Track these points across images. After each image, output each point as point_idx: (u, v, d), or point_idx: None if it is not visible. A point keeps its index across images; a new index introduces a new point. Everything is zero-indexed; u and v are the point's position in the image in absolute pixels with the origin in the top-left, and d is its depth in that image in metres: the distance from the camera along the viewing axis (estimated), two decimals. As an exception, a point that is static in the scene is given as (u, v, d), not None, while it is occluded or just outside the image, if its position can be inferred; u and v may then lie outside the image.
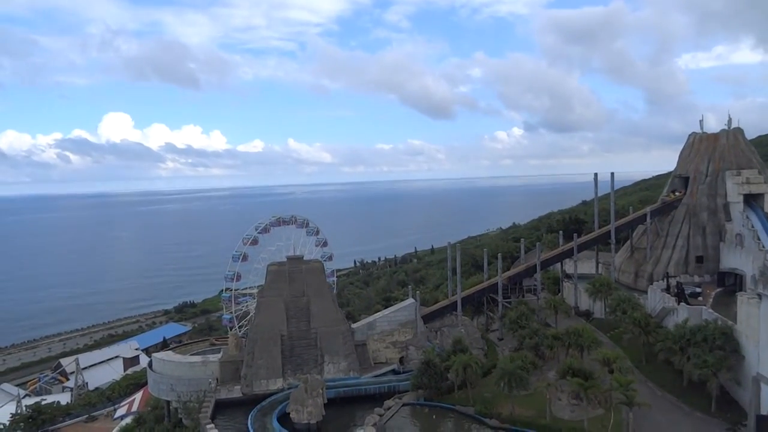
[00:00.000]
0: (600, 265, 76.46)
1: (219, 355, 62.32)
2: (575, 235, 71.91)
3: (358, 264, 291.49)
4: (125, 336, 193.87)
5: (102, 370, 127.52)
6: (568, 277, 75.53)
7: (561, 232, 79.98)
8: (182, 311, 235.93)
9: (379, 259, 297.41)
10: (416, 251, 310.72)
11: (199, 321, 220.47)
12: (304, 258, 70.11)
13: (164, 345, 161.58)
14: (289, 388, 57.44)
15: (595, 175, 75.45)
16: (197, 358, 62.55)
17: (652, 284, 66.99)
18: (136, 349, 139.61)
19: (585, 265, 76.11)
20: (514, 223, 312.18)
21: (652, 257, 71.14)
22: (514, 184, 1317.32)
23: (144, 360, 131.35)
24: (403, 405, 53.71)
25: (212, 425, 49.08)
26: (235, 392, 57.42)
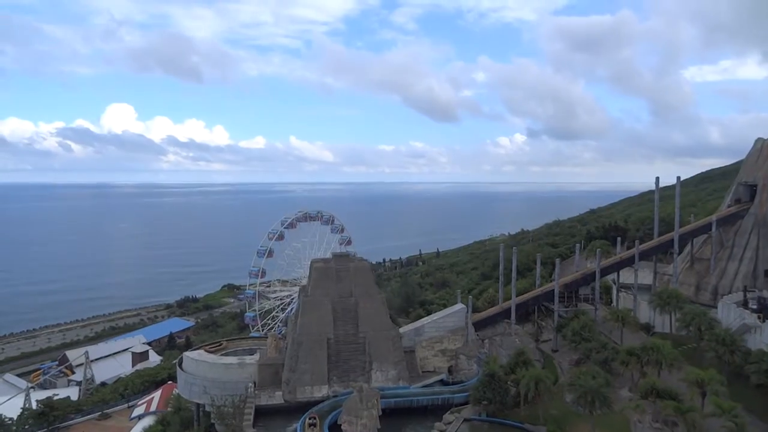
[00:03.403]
0: (657, 275, 71.85)
1: (256, 357, 57.55)
2: (637, 242, 67.40)
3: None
4: (127, 329, 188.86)
5: (108, 364, 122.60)
6: (624, 287, 71.01)
7: (619, 239, 75.11)
8: (184, 306, 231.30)
9: (384, 260, 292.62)
10: (421, 254, 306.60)
11: (202, 316, 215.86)
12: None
13: (170, 339, 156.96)
14: (334, 396, 52.96)
15: (657, 179, 71.04)
16: (233, 360, 57.75)
17: (717, 298, 62.57)
18: (144, 344, 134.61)
19: (639, 275, 71.42)
20: (522, 228, 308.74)
21: (716, 269, 66.77)
22: (515, 191, 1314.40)
23: (153, 356, 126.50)
24: (464, 420, 49.07)
25: (258, 435, 44.45)
26: (277, 398, 52.74)
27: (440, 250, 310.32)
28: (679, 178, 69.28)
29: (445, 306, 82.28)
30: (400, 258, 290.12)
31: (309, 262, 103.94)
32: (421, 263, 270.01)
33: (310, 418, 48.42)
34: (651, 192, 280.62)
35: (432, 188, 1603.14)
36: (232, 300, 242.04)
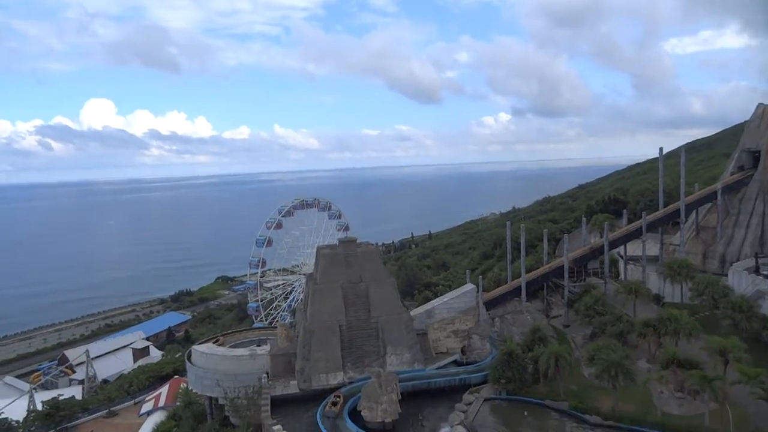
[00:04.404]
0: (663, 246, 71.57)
1: (267, 348, 56.55)
2: (644, 213, 66.95)
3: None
4: (122, 326, 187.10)
5: (109, 361, 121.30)
6: (631, 259, 70.75)
7: (625, 211, 74.60)
8: (179, 300, 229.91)
9: (376, 244, 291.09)
10: (413, 236, 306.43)
11: (198, 309, 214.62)
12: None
13: (170, 334, 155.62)
14: (350, 383, 52.25)
15: (660, 149, 70.43)
16: (244, 351, 56.74)
17: (725, 266, 62.51)
18: (144, 339, 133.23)
19: (641, 246, 71.12)
20: (513, 207, 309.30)
21: (723, 237, 66.70)
22: (502, 170, 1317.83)
23: (154, 351, 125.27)
24: (485, 400, 48.58)
25: (279, 426, 43.61)
26: (292, 388, 51.83)
27: (432, 231, 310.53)
28: (684, 148, 69.18)
29: (450, 287, 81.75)
30: (393, 242, 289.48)
31: (308, 250, 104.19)
32: (414, 246, 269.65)
33: (334, 396, 48.42)
34: (638, 165, 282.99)
35: (419, 171, 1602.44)
36: (227, 292, 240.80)
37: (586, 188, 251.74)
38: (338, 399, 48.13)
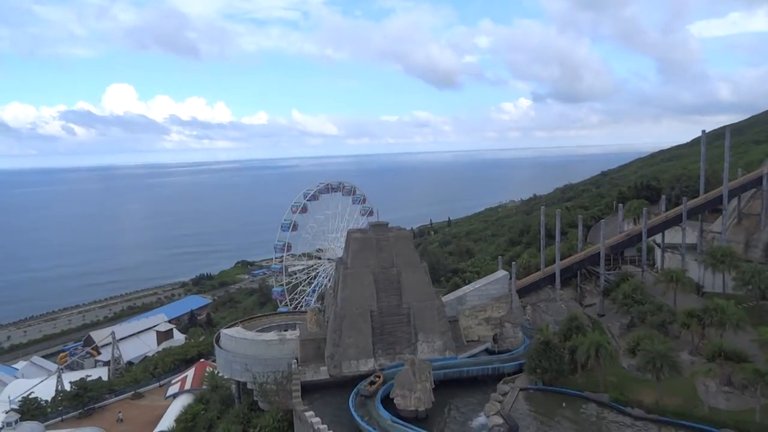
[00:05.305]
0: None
1: (296, 332, 55.70)
2: (685, 199, 64.47)
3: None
4: (145, 308, 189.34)
5: (133, 343, 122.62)
6: (669, 247, 68.29)
7: (664, 197, 72.14)
8: (200, 283, 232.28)
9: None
10: (432, 223, 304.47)
11: (219, 293, 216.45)
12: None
13: (192, 317, 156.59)
14: (381, 369, 51.22)
15: (703, 131, 67.71)
16: (273, 335, 56.00)
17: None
18: (167, 322, 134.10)
19: (679, 234, 68.65)
20: (534, 194, 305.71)
21: (767, 225, 63.94)
22: (521, 156, 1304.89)
23: (177, 334, 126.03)
24: (521, 390, 47.23)
25: (312, 412, 42.72)
26: (322, 373, 50.93)
27: (451, 218, 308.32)
28: (728, 129, 65.84)
29: (478, 274, 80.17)
30: (412, 228, 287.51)
31: (332, 234, 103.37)
32: (433, 233, 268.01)
33: (374, 376, 48.06)
34: (662, 152, 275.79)
35: (437, 157, 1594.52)
36: (247, 276, 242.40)
37: (609, 175, 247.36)
38: (377, 379, 47.61)
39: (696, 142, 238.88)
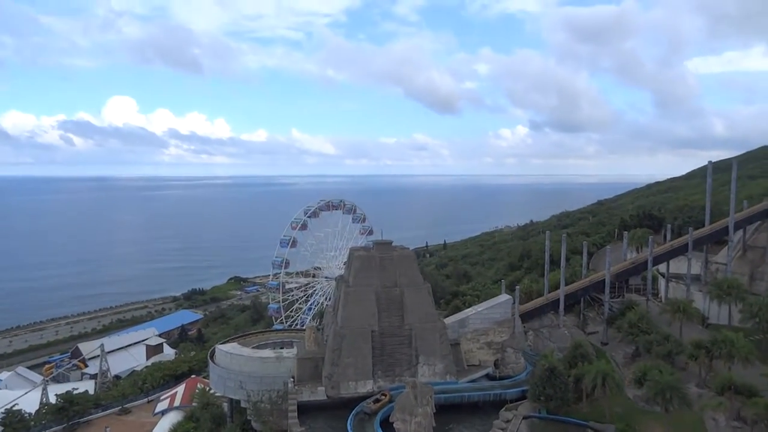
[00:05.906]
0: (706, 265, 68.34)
1: (294, 351, 54.25)
2: (690, 229, 63.88)
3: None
4: (134, 321, 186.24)
5: (122, 356, 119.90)
6: (673, 276, 67.53)
7: (669, 226, 71.66)
8: (191, 298, 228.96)
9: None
10: (427, 246, 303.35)
11: (210, 309, 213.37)
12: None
13: (182, 332, 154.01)
14: (379, 392, 49.80)
15: (710, 162, 67.34)
16: (270, 353, 54.50)
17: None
18: (158, 336, 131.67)
19: (683, 264, 68.02)
20: (531, 220, 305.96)
21: (773, 258, 63.44)
22: (518, 182, 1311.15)
23: (167, 349, 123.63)
24: (524, 418, 45.82)
25: (308, 435, 41.24)
26: (319, 394, 49.42)
27: (446, 241, 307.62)
28: (735, 160, 65.58)
29: (478, 298, 79.01)
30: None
31: (330, 253, 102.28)
32: (428, 255, 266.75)
33: (380, 394, 47.51)
34: (658, 183, 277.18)
35: (435, 180, 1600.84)
36: (239, 292, 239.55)
37: (605, 204, 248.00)
38: (383, 397, 46.75)
39: (691, 175, 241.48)
